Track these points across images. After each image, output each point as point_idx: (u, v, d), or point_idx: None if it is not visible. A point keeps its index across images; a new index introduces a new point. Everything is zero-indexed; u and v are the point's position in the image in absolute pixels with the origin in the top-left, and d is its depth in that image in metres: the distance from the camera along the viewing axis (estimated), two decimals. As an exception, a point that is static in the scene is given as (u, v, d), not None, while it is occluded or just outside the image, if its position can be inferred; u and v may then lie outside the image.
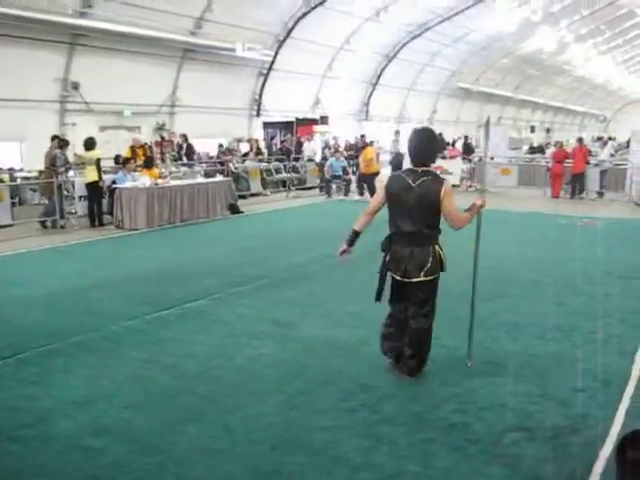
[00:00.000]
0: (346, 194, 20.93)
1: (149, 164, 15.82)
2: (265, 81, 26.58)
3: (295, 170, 23.18)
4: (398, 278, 5.40)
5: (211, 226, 14.93)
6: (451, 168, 22.89)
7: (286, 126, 27.13)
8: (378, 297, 5.49)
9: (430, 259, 5.28)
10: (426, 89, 37.63)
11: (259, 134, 27.22)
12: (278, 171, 22.87)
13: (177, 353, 6.18)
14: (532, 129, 50.90)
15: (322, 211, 18.03)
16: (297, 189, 22.27)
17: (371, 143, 21.20)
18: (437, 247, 5.33)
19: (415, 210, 5.21)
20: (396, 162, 20.30)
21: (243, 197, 19.55)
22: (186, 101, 23.11)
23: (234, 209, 16.69)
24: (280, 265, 10.23)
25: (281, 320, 7.23)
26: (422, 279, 5.28)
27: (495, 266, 9.51)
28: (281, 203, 19.30)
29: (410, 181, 5.22)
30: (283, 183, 22.47)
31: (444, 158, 25.00)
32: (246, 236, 13.27)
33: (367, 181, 19.39)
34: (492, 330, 6.63)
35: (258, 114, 27.09)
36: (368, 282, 9.10)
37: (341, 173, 21.05)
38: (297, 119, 26.85)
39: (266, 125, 27.45)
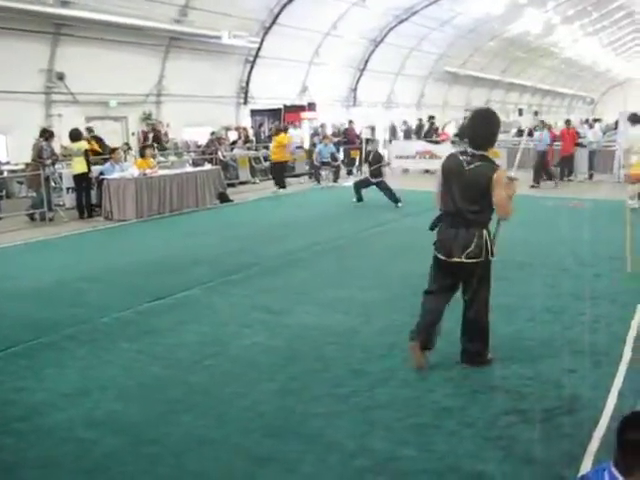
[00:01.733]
0: (335, 180, 20.89)
1: (143, 154, 15.86)
2: (252, 68, 26.41)
3: (284, 157, 23.09)
4: (442, 257, 5.35)
5: (201, 215, 14.88)
6: (441, 152, 22.92)
7: (274, 113, 26.98)
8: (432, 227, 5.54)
9: (474, 242, 5.18)
10: (414, 73, 37.53)
11: (247, 122, 27.09)
12: (267, 159, 22.78)
13: (169, 343, 6.18)
14: (520, 112, 50.90)
15: (312, 198, 18.01)
16: (286, 177, 22.15)
17: (285, 129, 20.81)
18: (484, 232, 5.22)
19: (464, 193, 5.17)
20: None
21: (232, 185, 19.47)
22: (172, 90, 22.94)
23: (223, 198, 16.64)
24: (270, 253, 10.22)
25: (273, 308, 7.23)
26: (463, 260, 5.21)
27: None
28: (270, 191, 19.25)
29: (464, 163, 5.19)
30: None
31: (435, 142, 25.01)
32: (236, 224, 13.25)
33: (275, 170, 19.39)
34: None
35: (245, 102, 26.93)
36: (357, 267, 9.24)
37: (330, 159, 21.02)
38: (285, 106, 26.72)
39: (254, 113, 27.30)
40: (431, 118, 27.80)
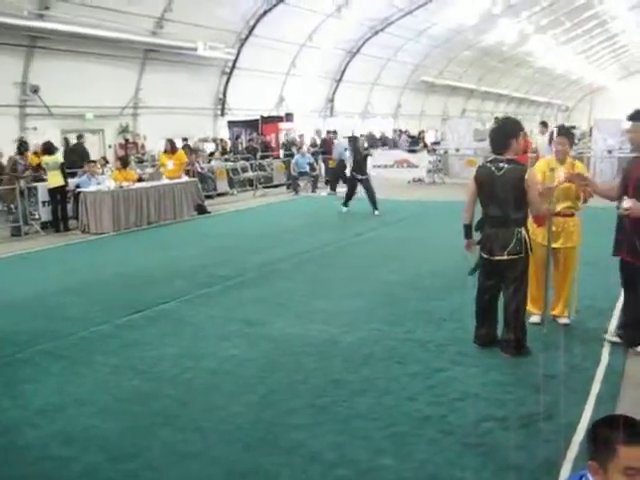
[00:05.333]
0: (313, 190, 20.93)
1: (125, 164, 15.79)
2: (229, 80, 26.40)
3: (262, 168, 23.11)
4: (485, 256, 5.79)
5: (178, 227, 14.81)
6: (417, 161, 23.06)
7: (251, 124, 26.98)
8: (472, 272, 6.01)
9: (513, 240, 5.59)
10: (390, 83, 37.73)
11: (224, 133, 27.06)
12: (245, 170, 22.76)
13: (148, 357, 6.12)
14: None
15: (290, 208, 18.00)
16: (264, 187, 22.20)
17: (185, 145, 21.11)
18: (522, 230, 5.64)
19: (500, 196, 5.61)
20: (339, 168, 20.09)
21: (210, 197, 19.42)
22: (149, 102, 22.85)
23: (201, 209, 16.59)
24: (248, 264, 10.19)
25: (251, 319, 7.19)
26: (505, 258, 5.63)
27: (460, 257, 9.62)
28: (248, 202, 19.22)
29: (494, 170, 5.63)
30: (250, 182, 22.39)
31: (411, 151, 25.18)
32: (214, 236, 13.19)
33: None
34: (462, 321, 6.67)
35: (223, 113, 26.90)
36: (337, 277, 9.23)
37: (307, 169, 21.03)
38: (262, 117, 26.72)
39: (231, 124, 27.26)
40: (404, 132, 28.06)
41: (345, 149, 19.34)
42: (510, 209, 5.59)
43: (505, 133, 5.76)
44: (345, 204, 15.78)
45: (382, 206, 15.40)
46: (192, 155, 19.71)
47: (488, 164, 5.75)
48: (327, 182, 23.48)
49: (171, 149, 16.67)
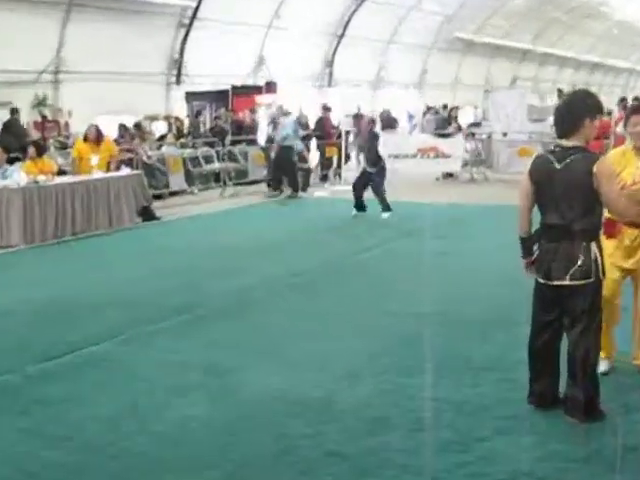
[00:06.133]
0: (305, 189, 20.98)
1: (41, 150, 15.80)
2: (187, 35, 26.45)
3: (232, 158, 23.16)
4: (541, 280, 5.79)
5: (116, 239, 14.82)
6: (450, 149, 23.05)
7: (218, 97, 27.04)
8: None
9: (580, 258, 5.54)
10: (412, 42, 37.85)
11: (181, 109, 27.09)
12: (209, 160, 22.78)
13: (72, 418, 6.11)
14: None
15: (272, 214, 18.04)
16: (236, 184, 22.25)
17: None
18: (592, 245, 5.59)
19: (562, 198, 5.56)
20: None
21: (160, 197, 19.48)
22: (76, 65, 22.84)
23: (147, 214, 16.59)
24: (214, 290, 10.20)
25: (217, 367, 7.20)
26: (567, 283, 5.59)
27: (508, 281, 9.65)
28: (214, 204, 19.26)
29: (555, 162, 5.60)
30: (216, 176, 22.43)
31: (441, 136, 25.22)
32: (165, 252, 13.17)
33: None
34: (511, 371, 6.68)
35: (178, 81, 26.96)
36: (334, 309, 9.23)
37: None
38: (234, 87, 26.80)
39: (190, 96, 27.31)
40: (432, 108, 28.21)
41: (294, 131, 19.51)
42: (574, 215, 5.55)
43: (574, 111, 5.71)
44: (360, 207, 16.01)
45: (400, 211, 15.46)
46: (135, 139, 19.75)
47: (547, 155, 5.78)
48: (323, 178, 23.58)
49: (96, 137, 16.49)
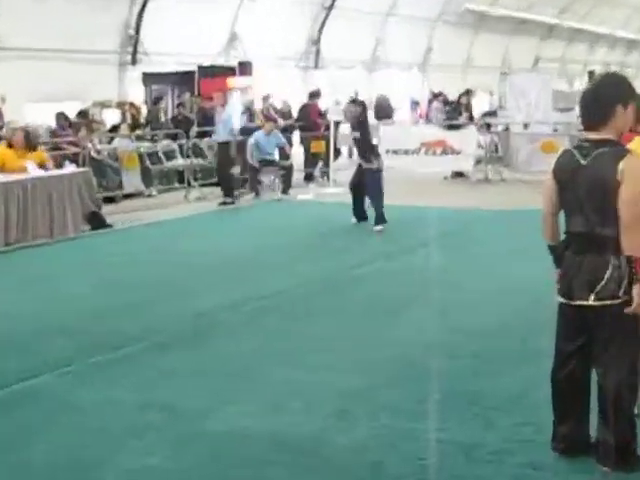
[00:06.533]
0: (286, 190, 21.01)
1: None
2: (145, 5, 26.42)
3: (199, 154, 23.18)
4: (562, 300, 5.73)
5: (58, 251, 14.79)
6: (461, 143, 22.99)
7: (182, 80, 27.05)
8: None
9: (607, 274, 5.45)
10: (414, 14, 37.97)
11: (137, 94, 27.06)
12: (170, 156, 22.78)
13: (2, 464, 6.05)
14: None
15: (245, 221, 18.09)
16: (203, 185, 22.25)
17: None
18: (623, 258, 5.45)
19: (587, 200, 5.51)
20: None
21: (111, 200, 19.50)
22: (8, 40, 22.75)
23: (96, 221, 16.53)
24: (175, 313, 10.17)
25: (178, 405, 7.14)
26: (592, 303, 5.50)
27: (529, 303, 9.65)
28: (176, 209, 19.27)
29: (580, 158, 5.54)
30: (179, 176, 22.41)
31: (449, 127, 25.20)
32: (117, 266, 13.16)
33: None
34: (532, 411, 6.65)
35: (134, 61, 26.92)
36: (322, 335, 9.19)
37: (275, 157, 21.05)
38: (201, 68, 26.80)
39: (149, 79, 27.30)
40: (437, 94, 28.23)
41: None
42: (601, 221, 5.49)
43: (603, 97, 5.65)
44: (360, 214, 16.12)
45: (401, 218, 15.43)
46: (81, 131, 19.70)
47: (573, 149, 5.72)
48: (308, 177, 23.57)
49: (26, 143, 16.13)
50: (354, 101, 17.82)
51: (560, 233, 5.87)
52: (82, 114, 22.58)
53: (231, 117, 20.60)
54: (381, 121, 24.16)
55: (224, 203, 19.76)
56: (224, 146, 20.15)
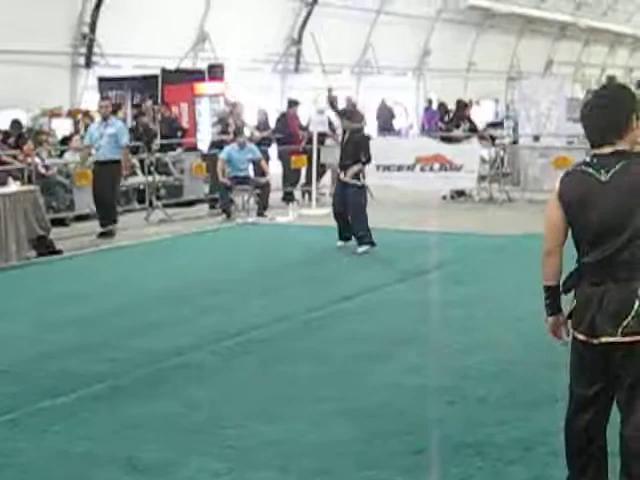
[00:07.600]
0: (261, 212, 21.08)
1: None
2: (101, 1, 26.50)
3: (163, 170, 23.18)
4: (581, 337, 5.60)
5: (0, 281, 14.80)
6: (460, 158, 23.02)
7: (144, 85, 27.11)
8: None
9: (636, 304, 5.41)
10: (409, 12, 38.10)
11: (92, 101, 27.08)
12: (130, 172, 22.78)
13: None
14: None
15: (215, 247, 18.14)
16: (167, 206, 22.33)
17: None
18: None
19: (614, 221, 5.45)
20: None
21: (62, 223, 19.49)
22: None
23: (44, 246, 16.54)
24: (133, 353, 10.18)
25: (141, 461, 7.13)
26: (619, 340, 5.44)
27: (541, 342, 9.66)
28: (136, 233, 19.33)
29: (600, 174, 5.48)
30: (140, 195, 22.41)
31: (448, 140, 25.29)
32: (67, 298, 13.14)
33: None
34: (546, 464, 6.68)
35: (89, 64, 26.98)
36: (304, 380, 9.19)
37: (249, 173, 21.09)
38: (165, 72, 26.86)
39: (105, 84, 27.34)
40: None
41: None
42: (627, 244, 5.43)
43: (617, 110, 5.64)
44: (346, 235, 16.17)
45: (391, 243, 15.48)
46: (27, 144, 19.71)
47: (584, 167, 5.68)
48: (287, 197, 23.61)
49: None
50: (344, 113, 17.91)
51: (561, 268, 5.81)
52: (16, 125, 22.28)
53: (122, 129, 19.85)
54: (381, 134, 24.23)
55: (103, 234, 18.94)
56: (106, 166, 19.33)
